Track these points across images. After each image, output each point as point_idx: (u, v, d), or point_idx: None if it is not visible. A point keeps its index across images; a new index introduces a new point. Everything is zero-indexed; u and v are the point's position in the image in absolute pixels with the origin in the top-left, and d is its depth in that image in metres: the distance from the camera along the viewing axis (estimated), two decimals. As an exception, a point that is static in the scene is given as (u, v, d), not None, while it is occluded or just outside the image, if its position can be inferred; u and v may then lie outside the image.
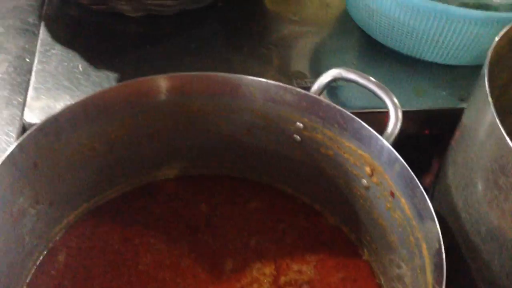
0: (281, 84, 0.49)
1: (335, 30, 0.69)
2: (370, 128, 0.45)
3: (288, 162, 0.54)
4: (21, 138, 0.41)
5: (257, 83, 0.50)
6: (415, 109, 0.58)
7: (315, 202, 0.55)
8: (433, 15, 0.55)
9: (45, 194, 0.46)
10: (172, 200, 0.56)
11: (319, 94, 0.51)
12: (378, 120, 0.58)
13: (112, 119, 0.49)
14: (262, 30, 0.68)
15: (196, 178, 0.57)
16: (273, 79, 0.59)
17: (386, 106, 0.48)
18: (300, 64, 0.62)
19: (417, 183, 0.41)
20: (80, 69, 0.58)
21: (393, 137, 0.46)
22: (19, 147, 0.41)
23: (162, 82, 0.49)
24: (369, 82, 0.49)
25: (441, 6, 0.54)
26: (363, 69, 0.62)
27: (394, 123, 0.47)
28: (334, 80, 0.50)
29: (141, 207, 0.55)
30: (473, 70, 0.62)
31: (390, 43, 0.62)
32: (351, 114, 0.47)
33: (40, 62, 0.58)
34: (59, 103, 0.53)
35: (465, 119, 0.44)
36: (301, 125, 0.50)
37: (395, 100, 0.47)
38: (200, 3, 0.64)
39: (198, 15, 0.66)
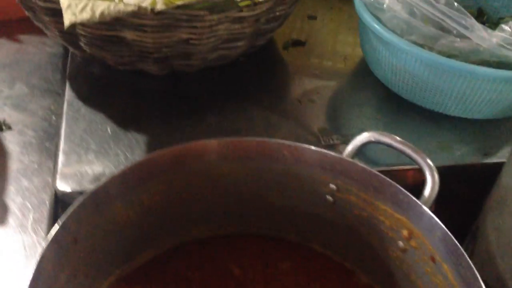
0: (315, 148, 0.49)
1: (356, 83, 0.70)
2: (408, 193, 0.46)
3: (320, 221, 0.54)
4: (63, 217, 0.41)
5: (292, 147, 0.50)
6: (440, 165, 0.59)
7: (348, 261, 0.55)
8: (458, 74, 0.56)
9: (82, 268, 0.46)
10: (204, 263, 0.55)
11: (353, 157, 0.51)
12: (407, 176, 0.59)
13: (149, 187, 0.49)
14: (283, 85, 0.68)
15: (228, 238, 0.57)
16: (300, 137, 0.61)
17: (421, 170, 0.48)
18: (325, 120, 0.63)
19: (462, 251, 0.41)
20: (109, 132, 0.58)
21: (431, 201, 0.47)
22: (63, 226, 0.41)
23: (201, 148, 0.49)
24: (404, 146, 0.49)
25: (466, 66, 0.55)
26: (386, 124, 0.64)
27: (431, 187, 0.47)
28: (368, 143, 0.51)
29: (173, 270, 0.54)
30: (498, 124, 0.63)
31: (412, 98, 0.63)
32: (388, 179, 0.47)
33: (68, 125, 0.58)
34: (90, 169, 0.53)
35: (506, 178, 0.44)
36: (334, 187, 0.51)
37: (431, 164, 0.48)
38: (224, 61, 0.65)
39: (220, 71, 0.67)
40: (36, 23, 0.63)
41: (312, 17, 0.82)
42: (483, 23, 0.74)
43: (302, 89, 0.67)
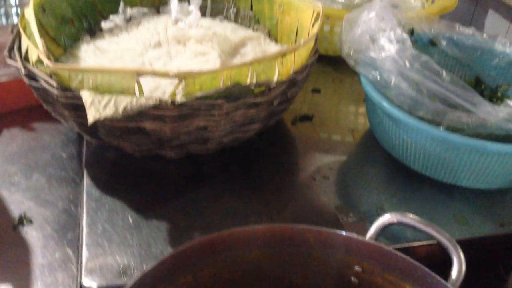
0: (339, 232, 0.50)
1: (366, 157, 0.71)
2: (436, 276, 0.46)
3: (346, 303, 0.54)
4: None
5: (317, 232, 0.50)
6: (457, 238, 0.59)
7: None
8: (468, 149, 0.58)
9: None
10: None
11: (376, 239, 0.52)
12: (425, 251, 0.60)
13: (176, 279, 0.49)
14: (296, 162, 0.70)
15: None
16: (319, 216, 0.61)
17: (447, 250, 0.49)
18: (340, 196, 0.64)
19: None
20: (130, 220, 0.58)
21: (459, 283, 0.47)
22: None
23: (228, 237, 0.50)
24: (428, 227, 0.50)
25: (478, 142, 0.57)
26: (400, 198, 0.65)
27: (458, 269, 0.48)
28: (391, 224, 0.52)
29: None
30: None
31: (424, 170, 0.65)
32: (414, 262, 0.47)
33: (88, 216, 0.58)
34: (115, 262, 0.53)
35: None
36: (359, 268, 0.51)
37: (457, 245, 0.49)
38: (238, 142, 0.66)
39: (233, 151, 0.68)
40: (54, 115, 0.64)
41: (316, 91, 0.85)
42: (481, 91, 0.77)
43: (315, 166, 0.69)
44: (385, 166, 0.69)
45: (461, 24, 0.78)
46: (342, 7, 0.91)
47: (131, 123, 0.58)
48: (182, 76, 0.54)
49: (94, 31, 0.81)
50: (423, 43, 0.77)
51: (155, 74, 0.54)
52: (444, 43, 0.78)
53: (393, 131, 0.65)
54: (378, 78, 0.65)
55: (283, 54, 0.61)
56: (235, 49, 0.79)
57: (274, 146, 0.72)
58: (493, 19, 1.11)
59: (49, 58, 0.58)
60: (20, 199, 0.61)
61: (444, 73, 0.62)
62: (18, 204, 0.61)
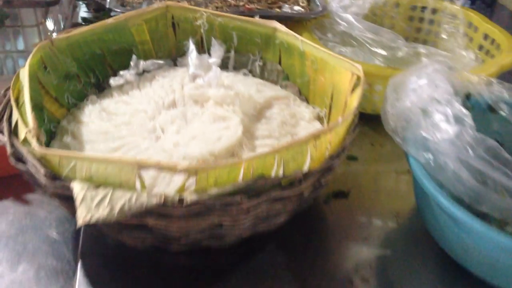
0: None
1: (413, 251, 0.60)
2: None
3: None
4: None
5: None
6: None
7: None
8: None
9: None
10: None
11: None
12: None
13: None
14: (328, 257, 0.59)
15: None
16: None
17: None
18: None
19: None
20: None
21: None
22: None
23: None
24: None
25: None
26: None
27: None
28: None
29: None
30: None
31: (483, 275, 0.53)
32: None
33: (79, 327, 0.49)
34: None
35: None
36: None
37: None
38: (259, 232, 0.56)
39: (254, 241, 0.58)
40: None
41: (353, 158, 0.74)
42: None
43: (351, 262, 0.57)
44: (439, 266, 0.57)
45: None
46: (384, 61, 0.80)
47: (132, 219, 0.48)
48: (192, 171, 0.44)
49: (103, 87, 0.72)
50: (480, 109, 0.66)
51: (160, 167, 0.44)
52: (505, 109, 0.66)
53: (450, 228, 0.53)
54: (432, 163, 0.54)
55: (316, 137, 0.50)
56: (260, 111, 0.69)
57: (303, 232, 0.61)
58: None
59: (38, 137, 0.49)
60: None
61: (516, 163, 0.51)
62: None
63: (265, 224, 0.54)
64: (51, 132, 0.63)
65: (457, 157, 0.52)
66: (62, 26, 0.96)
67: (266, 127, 0.66)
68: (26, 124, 0.50)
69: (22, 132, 0.49)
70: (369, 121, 0.80)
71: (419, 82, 0.59)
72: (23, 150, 0.49)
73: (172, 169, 0.44)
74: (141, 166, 0.45)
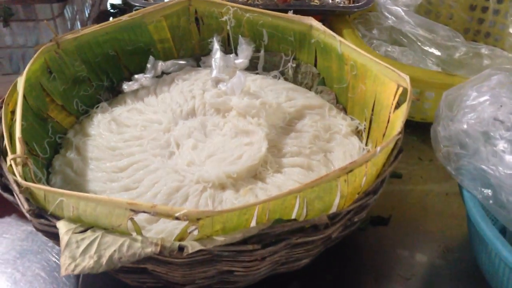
0: None
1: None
2: None
3: None
4: None
5: None
6: None
7: None
8: None
9: None
10: None
11: None
12: None
13: None
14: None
15: None
16: None
17: None
18: None
19: None
20: None
21: None
22: None
23: None
24: None
25: None
26: None
27: None
28: None
29: None
30: None
31: None
32: None
33: None
34: None
35: None
36: None
37: None
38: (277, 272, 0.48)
39: (274, 279, 0.50)
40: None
41: (396, 175, 0.64)
42: None
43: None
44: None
45: None
46: (438, 62, 0.68)
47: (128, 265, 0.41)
48: (193, 218, 0.37)
49: (118, 90, 0.65)
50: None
51: (155, 212, 0.37)
52: None
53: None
54: (492, 200, 0.44)
55: (348, 171, 0.42)
56: (290, 122, 0.61)
57: (333, 268, 0.53)
58: None
59: (25, 164, 0.43)
60: None
61: None
62: None
63: (286, 266, 0.46)
64: (56, 144, 0.57)
65: (525, 198, 0.42)
66: (86, 15, 0.90)
67: (296, 142, 0.58)
68: (13, 149, 0.44)
69: (8, 158, 0.43)
70: (417, 130, 0.70)
71: (479, 98, 0.49)
72: (10, 178, 0.43)
73: (168, 215, 0.37)
74: (133, 208, 0.37)
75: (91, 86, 0.63)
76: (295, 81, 0.67)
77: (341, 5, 0.75)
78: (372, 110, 0.57)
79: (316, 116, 0.61)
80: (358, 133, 0.60)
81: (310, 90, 0.66)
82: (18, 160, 0.42)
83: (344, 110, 0.63)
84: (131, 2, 0.71)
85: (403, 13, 0.69)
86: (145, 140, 0.56)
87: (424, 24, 0.69)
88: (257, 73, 0.68)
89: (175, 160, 0.55)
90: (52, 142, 0.57)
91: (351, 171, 0.42)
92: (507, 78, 0.51)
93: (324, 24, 0.63)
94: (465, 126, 0.48)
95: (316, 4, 0.75)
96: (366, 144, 0.59)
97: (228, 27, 0.67)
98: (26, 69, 0.53)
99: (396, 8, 0.70)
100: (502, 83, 0.50)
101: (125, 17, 0.63)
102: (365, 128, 0.59)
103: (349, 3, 0.75)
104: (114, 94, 0.65)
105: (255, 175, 0.54)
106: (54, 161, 0.55)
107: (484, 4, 0.84)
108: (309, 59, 0.66)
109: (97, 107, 0.61)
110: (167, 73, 0.67)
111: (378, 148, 0.43)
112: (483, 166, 0.45)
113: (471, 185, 0.46)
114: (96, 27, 0.61)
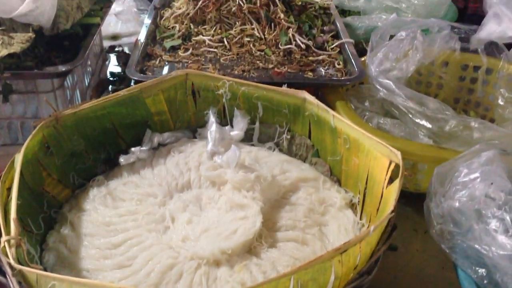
0: None
1: None
2: None
3: None
4: None
5: None
6: None
7: None
8: None
9: None
10: None
11: None
12: None
13: None
14: None
15: None
16: None
17: None
18: None
19: None
20: None
21: None
22: None
23: None
24: None
25: None
26: None
27: None
28: None
29: None
30: None
31: None
32: None
33: None
34: None
35: None
36: None
37: None
38: None
39: None
40: None
41: (392, 248, 0.64)
42: None
43: None
44: None
45: None
46: (429, 135, 0.69)
47: None
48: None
49: (114, 162, 0.66)
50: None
51: (148, 298, 0.37)
52: None
53: None
54: (486, 280, 0.44)
55: (342, 251, 0.42)
56: (285, 195, 0.61)
57: None
58: None
59: (18, 245, 0.43)
60: None
61: None
62: None
63: None
64: (51, 218, 0.57)
65: (519, 279, 0.42)
66: (86, 84, 0.92)
67: (290, 215, 0.58)
68: (8, 230, 0.44)
69: (2, 239, 0.43)
70: (411, 200, 0.70)
71: (470, 175, 0.50)
72: (3, 260, 0.43)
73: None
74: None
75: (88, 159, 0.64)
76: (289, 152, 0.69)
77: (335, 78, 0.77)
78: (366, 183, 0.58)
79: (311, 188, 0.62)
80: (352, 206, 0.61)
81: (304, 161, 0.67)
82: (12, 242, 0.42)
83: (339, 182, 0.64)
84: (129, 76, 0.74)
85: (394, 86, 0.71)
86: (140, 215, 0.57)
87: (414, 97, 0.71)
88: (252, 145, 0.70)
89: (170, 235, 0.55)
90: (47, 217, 0.57)
91: (345, 251, 0.42)
92: (496, 155, 0.52)
93: (317, 96, 0.65)
94: (457, 204, 0.48)
95: (310, 76, 0.77)
96: (361, 218, 0.59)
97: (224, 100, 0.69)
98: (24, 145, 0.54)
99: (387, 81, 0.72)
100: (492, 160, 0.51)
101: (123, 92, 0.65)
102: (359, 202, 0.60)
103: (342, 75, 0.78)
104: (110, 166, 0.66)
105: (249, 250, 0.54)
106: (48, 237, 0.55)
107: (473, 75, 0.86)
108: (303, 131, 0.67)
109: (94, 180, 0.62)
110: (164, 145, 0.68)
111: (372, 228, 0.44)
112: (477, 246, 0.45)
113: (466, 263, 0.46)
114: (94, 102, 0.62)
